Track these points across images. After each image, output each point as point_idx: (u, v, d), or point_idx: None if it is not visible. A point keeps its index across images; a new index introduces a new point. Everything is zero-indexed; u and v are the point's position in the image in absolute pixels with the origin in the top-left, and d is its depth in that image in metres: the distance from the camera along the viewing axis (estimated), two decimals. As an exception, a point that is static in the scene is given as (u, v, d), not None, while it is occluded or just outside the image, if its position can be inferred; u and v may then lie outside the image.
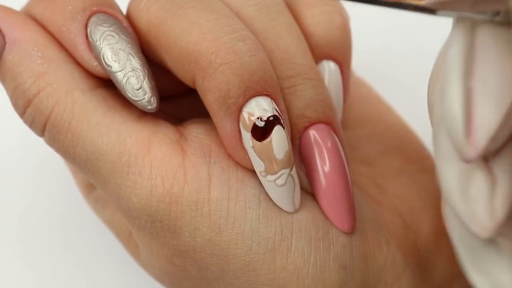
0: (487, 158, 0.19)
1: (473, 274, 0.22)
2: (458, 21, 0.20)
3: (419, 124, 0.30)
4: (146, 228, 0.23)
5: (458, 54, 0.19)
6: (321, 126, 0.24)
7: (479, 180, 0.19)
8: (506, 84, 0.18)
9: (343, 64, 0.26)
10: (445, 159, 0.20)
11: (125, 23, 0.24)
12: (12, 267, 0.32)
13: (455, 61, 0.19)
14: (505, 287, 0.20)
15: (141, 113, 0.24)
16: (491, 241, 0.20)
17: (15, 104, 0.24)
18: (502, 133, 0.18)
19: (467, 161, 0.19)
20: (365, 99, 0.30)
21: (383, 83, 0.30)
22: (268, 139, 0.22)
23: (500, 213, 0.19)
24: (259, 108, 0.22)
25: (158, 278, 0.26)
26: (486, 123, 0.18)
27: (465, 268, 0.22)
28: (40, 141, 0.25)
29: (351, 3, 0.29)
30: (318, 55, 0.25)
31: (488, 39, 0.19)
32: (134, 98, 0.23)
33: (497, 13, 0.19)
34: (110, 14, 0.24)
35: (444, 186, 0.20)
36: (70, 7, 0.24)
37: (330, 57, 0.26)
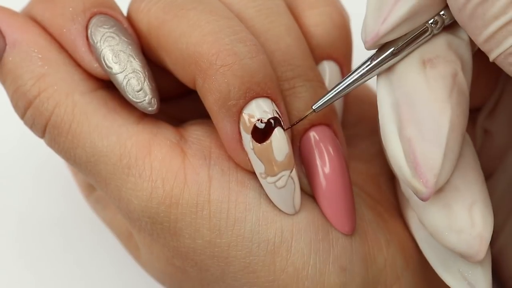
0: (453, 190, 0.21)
1: (444, 274, 0.23)
2: (378, 79, 0.22)
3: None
4: (146, 230, 0.23)
5: (387, 112, 0.21)
6: (321, 128, 0.24)
7: (457, 213, 0.21)
8: (437, 124, 0.20)
9: (344, 64, 0.26)
10: (419, 205, 0.22)
11: (126, 25, 0.24)
12: (12, 267, 0.32)
13: (387, 119, 0.21)
14: (477, 283, 0.22)
15: (141, 115, 0.24)
16: None
17: (15, 106, 0.24)
18: (447, 167, 0.20)
19: (424, 200, 0.20)
20: (364, 98, 0.30)
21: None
22: (268, 141, 0.22)
23: (485, 234, 0.21)
24: (260, 110, 0.22)
25: (159, 279, 0.26)
26: (430, 164, 0.20)
27: (435, 270, 0.23)
28: (40, 142, 0.25)
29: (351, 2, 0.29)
30: (318, 56, 0.25)
31: (407, 87, 0.21)
32: (134, 100, 0.23)
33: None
34: (111, 16, 0.24)
35: (432, 229, 0.21)
36: (70, 9, 0.24)
37: (330, 58, 0.26)
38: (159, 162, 0.23)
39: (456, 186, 0.21)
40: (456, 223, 0.21)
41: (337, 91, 0.22)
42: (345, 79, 0.22)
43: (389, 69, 0.22)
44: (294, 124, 0.23)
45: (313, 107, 0.22)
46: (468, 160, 0.22)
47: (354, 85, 0.22)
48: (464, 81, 0.21)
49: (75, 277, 0.32)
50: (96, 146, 0.23)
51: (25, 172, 0.34)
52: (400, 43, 0.21)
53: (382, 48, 0.21)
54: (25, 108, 0.24)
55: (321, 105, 0.22)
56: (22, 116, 0.24)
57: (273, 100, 0.22)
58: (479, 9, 0.19)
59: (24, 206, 0.34)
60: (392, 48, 0.21)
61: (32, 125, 0.24)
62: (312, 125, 0.24)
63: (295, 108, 0.23)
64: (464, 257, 0.21)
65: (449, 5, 0.20)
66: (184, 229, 0.23)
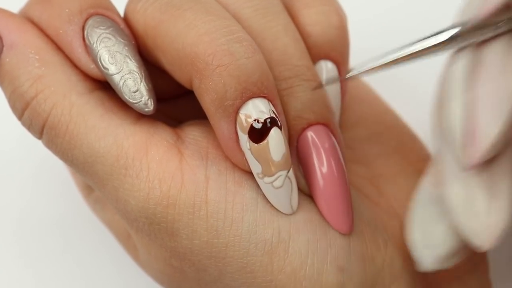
0: (486, 173, 0.20)
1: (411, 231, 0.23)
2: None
3: (418, 125, 0.30)
4: (144, 230, 0.23)
5: (462, 69, 0.20)
6: (318, 127, 0.24)
7: (478, 197, 0.20)
8: (507, 95, 0.19)
9: (341, 63, 0.26)
10: (448, 177, 0.21)
11: (122, 25, 0.24)
12: (12, 267, 0.33)
13: (459, 74, 0.20)
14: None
15: (138, 116, 0.24)
16: None
17: (13, 107, 0.24)
18: (501, 141, 0.19)
19: (468, 167, 0.20)
20: (363, 99, 0.30)
21: (381, 83, 0.30)
22: (265, 141, 0.22)
23: (495, 228, 0.20)
24: (256, 110, 0.22)
25: (157, 279, 0.26)
26: (488, 132, 0.19)
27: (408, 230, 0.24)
28: (38, 142, 0.25)
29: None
30: (315, 55, 0.25)
31: (490, 54, 0.20)
32: (131, 101, 0.23)
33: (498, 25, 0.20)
34: (107, 17, 0.24)
35: (448, 202, 0.21)
36: (67, 10, 0.24)
37: (327, 57, 0.26)
38: (156, 162, 0.23)
39: (492, 173, 0.21)
40: (476, 207, 0.20)
41: (385, 61, 0.21)
42: (399, 50, 0.21)
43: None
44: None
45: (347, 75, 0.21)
46: None
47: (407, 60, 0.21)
48: None
49: (75, 277, 0.32)
50: (93, 147, 0.23)
51: (24, 172, 0.34)
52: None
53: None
54: (23, 109, 0.24)
55: (357, 73, 0.21)
56: (20, 117, 0.24)
57: (270, 100, 0.22)
58: None
59: (23, 206, 0.34)
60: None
61: (29, 126, 0.24)
62: (310, 125, 0.24)
63: (292, 108, 0.23)
64: (469, 242, 0.21)
65: None
66: (181, 230, 0.23)
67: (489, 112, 0.19)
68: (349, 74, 0.22)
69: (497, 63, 0.20)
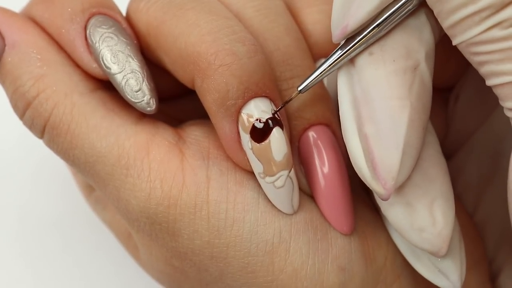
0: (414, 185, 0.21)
1: (416, 264, 0.24)
2: (339, 74, 0.21)
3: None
4: (145, 230, 0.23)
5: (347, 109, 0.21)
6: (320, 128, 0.24)
7: (417, 210, 0.21)
8: (395, 123, 0.20)
9: None
10: (382, 202, 0.22)
11: (125, 25, 0.24)
12: (11, 267, 0.33)
13: (347, 116, 0.21)
14: (448, 271, 0.23)
15: (140, 115, 0.24)
16: None
17: (14, 106, 0.24)
18: (406, 165, 0.20)
19: (384, 200, 0.20)
20: None
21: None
22: (267, 141, 0.22)
23: (446, 231, 0.21)
24: (258, 110, 0.22)
25: (158, 279, 0.26)
26: (388, 166, 0.20)
27: (408, 259, 0.24)
28: (39, 141, 0.25)
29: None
30: (316, 54, 0.25)
31: (366, 82, 0.20)
32: (133, 100, 0.23)
33: None
34: (109, 16, 0.24)
35: (395, 226, 0.22)
36: (69, 9, 0.24)
37: (328, 55, 0.26)
38: (158, 162, 0.23)
39: (416, 183, 0.21)
40: (417, 222, 0.21)
41: (321, 70, 0.22)
42: (329, 57, 0.21)
43: (350, 61, 0.21)
44: (280, 108, 0.23)
45: (298, 88, 0.22)
46: (430, 152, 0.21)
47: (339, 64, 0.21)
48: (426, 70, 0.20)
49: (75, 277, 0.32)
50: (95, 146, 0.23)
51: (24, 172, 0.35)
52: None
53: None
54: (24, 108, 0.24)
55: (306, 85, 0.22)
56: (21, 116, 0.24)
57: (271, 100, 0.22)
58: None
59: (23, 206, 0.34)
60: (376, 23, 0.20)
61: (31, 126, 0.24)
62: (311, 125, 0.24)
63: (294, 108, 0.23)
64: (428, 252, 0.21)
65: None
66: (182, 230, 0.23)
67: (384, 146, 0.20)
68: (302, 86, 0.22)
69: (377, 91, 0.20)
